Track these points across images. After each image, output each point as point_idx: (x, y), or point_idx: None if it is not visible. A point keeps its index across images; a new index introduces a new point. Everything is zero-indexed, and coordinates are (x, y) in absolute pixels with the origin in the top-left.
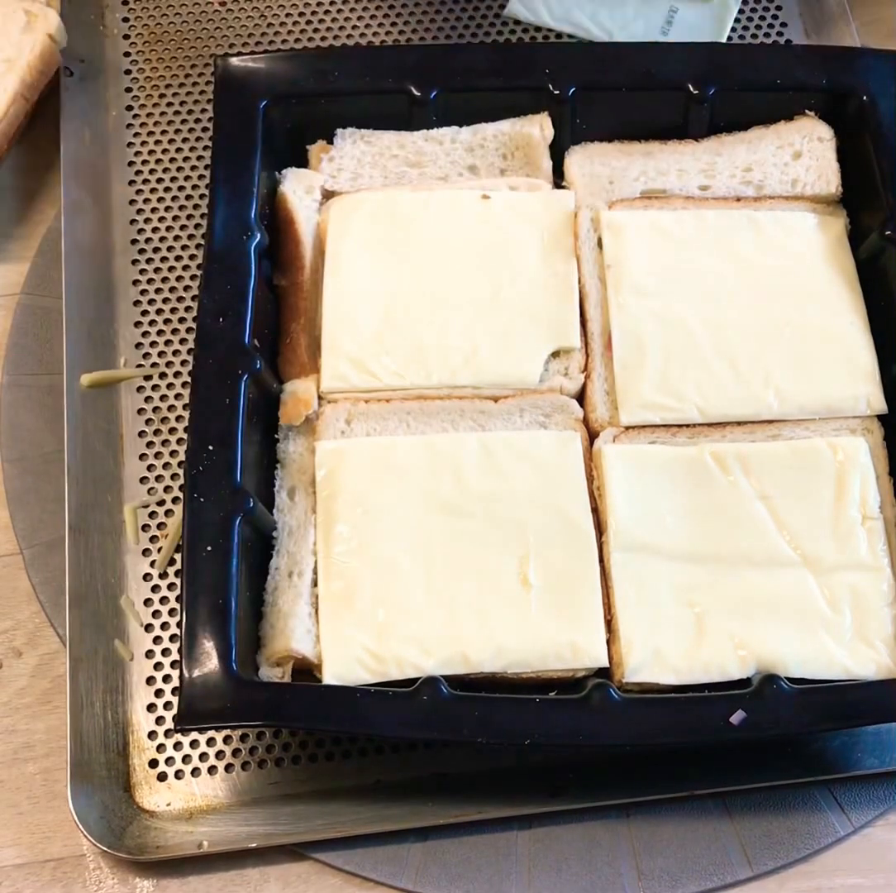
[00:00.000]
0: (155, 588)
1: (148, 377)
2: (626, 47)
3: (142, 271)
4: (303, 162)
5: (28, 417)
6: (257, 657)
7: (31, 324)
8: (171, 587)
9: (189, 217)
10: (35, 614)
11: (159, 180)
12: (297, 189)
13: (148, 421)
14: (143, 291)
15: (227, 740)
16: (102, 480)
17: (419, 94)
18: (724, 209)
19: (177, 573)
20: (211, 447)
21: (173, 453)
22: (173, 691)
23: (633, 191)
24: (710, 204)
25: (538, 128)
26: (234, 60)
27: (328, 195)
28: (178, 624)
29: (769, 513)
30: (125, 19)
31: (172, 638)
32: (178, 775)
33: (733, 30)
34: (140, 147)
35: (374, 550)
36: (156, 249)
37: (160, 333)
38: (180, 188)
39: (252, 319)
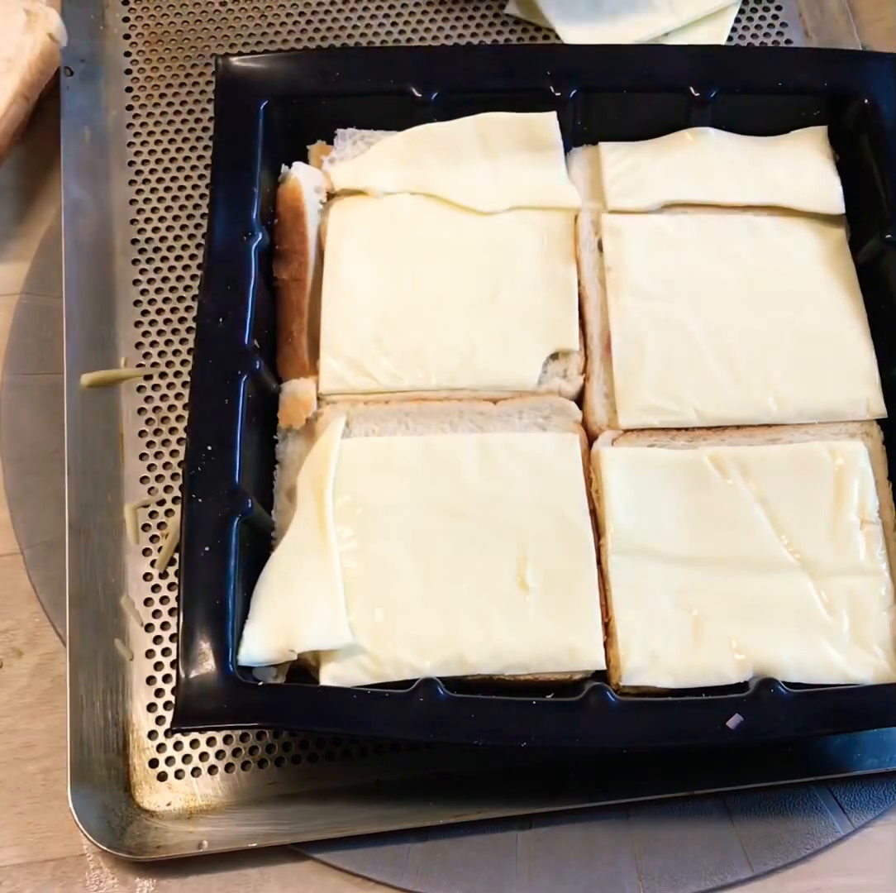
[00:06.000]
0: (155, 588)
1: (148, 377)
2: (628, 49)
3: (142, 271)
4: (303, 162)
5: (28, 417)
6: None
7: (31, 324)
8: (171, 586)
9: (189, 217)
10: (35, 614)
11: (159, 180)
12: (307, 184)
13: (148, 421)
14: (144, 291)
15: (227, 740)
16: (102, 479)
17: (420, 95)
18: (724, 214)
19: (177, 573)
20: (210, 448)
21: (173, 453)
22: (173, 690)
23: None
24: (710, 209)
25: None
26: (235, 60)
27: (329, 196)
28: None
29: (767, 517)
30: (125, 19)
31: (172, 638)
32: (178, 775)
33: (733, 30)
34: (140, 147)
35: (373, 551)
36: (156, 249)
37: (160, 333)
38: (180, 188)
39: (252, 319)
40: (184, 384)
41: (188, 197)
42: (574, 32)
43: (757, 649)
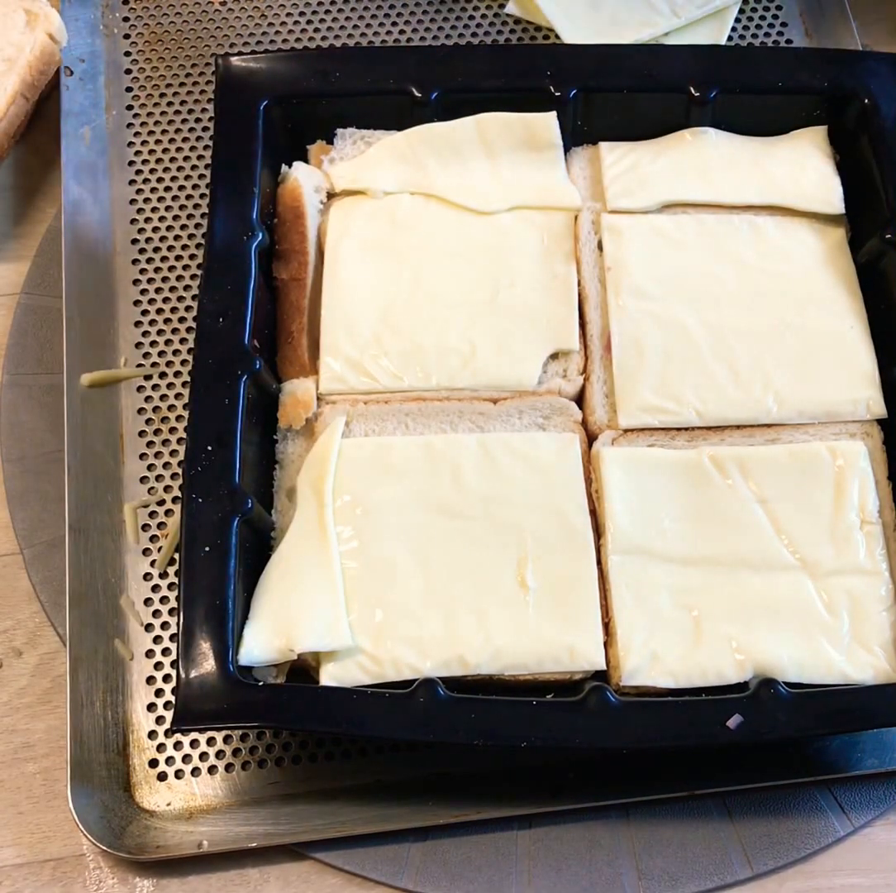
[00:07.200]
0: (155, 588)
1: (148, 377)
2: (627, 49)
3: (142, 271)
4: (303, 162)
5: (28, 417)
6: None
7: (31, 324)
8: (171, 586)
9: (189, 217)
10: (35, 613)
11: (159, 180)
12: (307, 184)
13: (148, 421)
14: (143, 291)
15: (227, 740)
16: (102, 479)
17: (420, 94)
18: (724, 214)
19: (177, 573)
20: (210, 448)
21: (173, 453)
22: (173, 690)
23: None
24: (710, 209)
25: None
26: (235, 60)
27: (329, 196)
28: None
29: (767, 517)
30: (125, 19)
31: (172, 638)
32: (178, 774)
33: (734, 29)
34: (140, 147)
35: (373, 551)
36: (156, 249)
37: (160, 332)
38: (180, 188)
39: (252, 319)
40: (184, 384)
41: (188, 197)
42: (574, 32)
43: (757, 649)
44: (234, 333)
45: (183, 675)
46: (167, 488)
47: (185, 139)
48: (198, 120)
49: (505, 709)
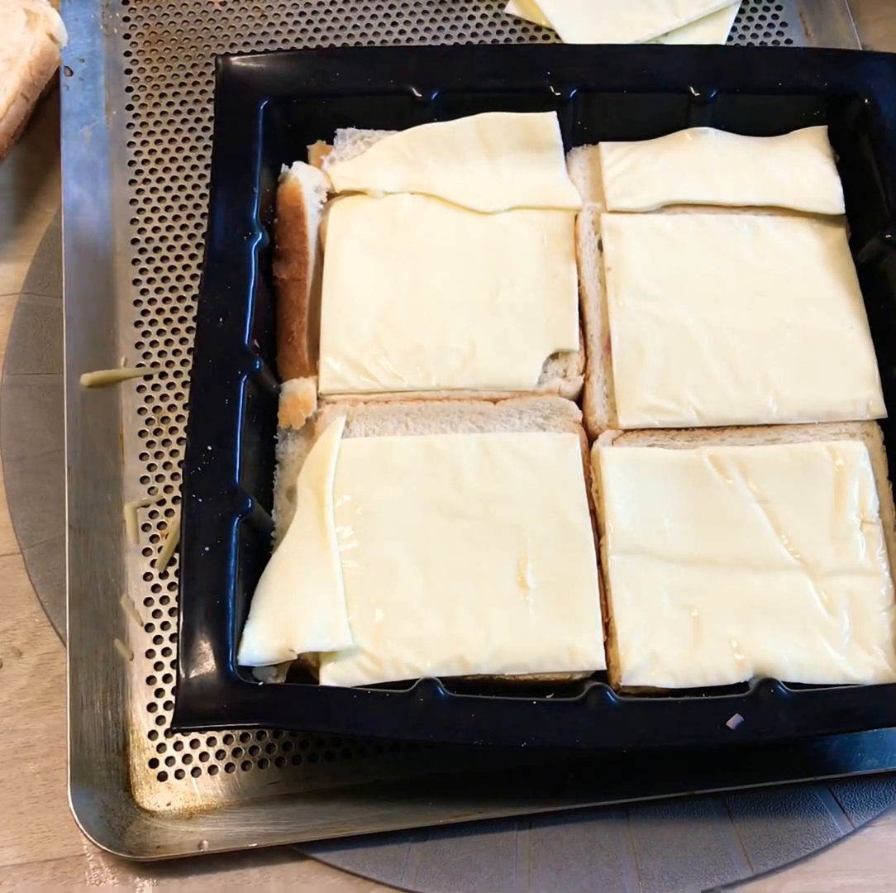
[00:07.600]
0: (155, 588)
1: (148, 377)
2: (628, 49)
3: (142, 271)
4: (303, 162)
5: (28, 416)
6: None
7: (31, 324)
8: (171, 586)
9: (189, 217)
10: (35, 613)
11: (159, 180)
12: (307, 184)
13: (148, 421)
14: (144, 291)
15: (227, 740)
16: (102, 479)
17: (420, 95)
18: (724, 214)
19: (177, 573)
20: (210, 448)
21: (173, 453)
22: (173, 690)
23: None
24: (710, 209)
25: None
26: (235, 60)
27: (329, 196)
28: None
29: (767, 517)
30: (125, 19)
31: (172, 638)
32: (179, 774)
33: (734, 29)
34: (140, 147)
35: (373, 551)
36: (156, 249)
37: (160, 332)
38: (180, 188)
39: (252, 319)
40: (184, 384)
41: (188, 197)
42: (574, 32)
43: (757, 649)
44: (234, 334)
45: (183, 675)
46: (167, 488)
47: (185, 139)
48: (198, 120)
49: (505, 709)
